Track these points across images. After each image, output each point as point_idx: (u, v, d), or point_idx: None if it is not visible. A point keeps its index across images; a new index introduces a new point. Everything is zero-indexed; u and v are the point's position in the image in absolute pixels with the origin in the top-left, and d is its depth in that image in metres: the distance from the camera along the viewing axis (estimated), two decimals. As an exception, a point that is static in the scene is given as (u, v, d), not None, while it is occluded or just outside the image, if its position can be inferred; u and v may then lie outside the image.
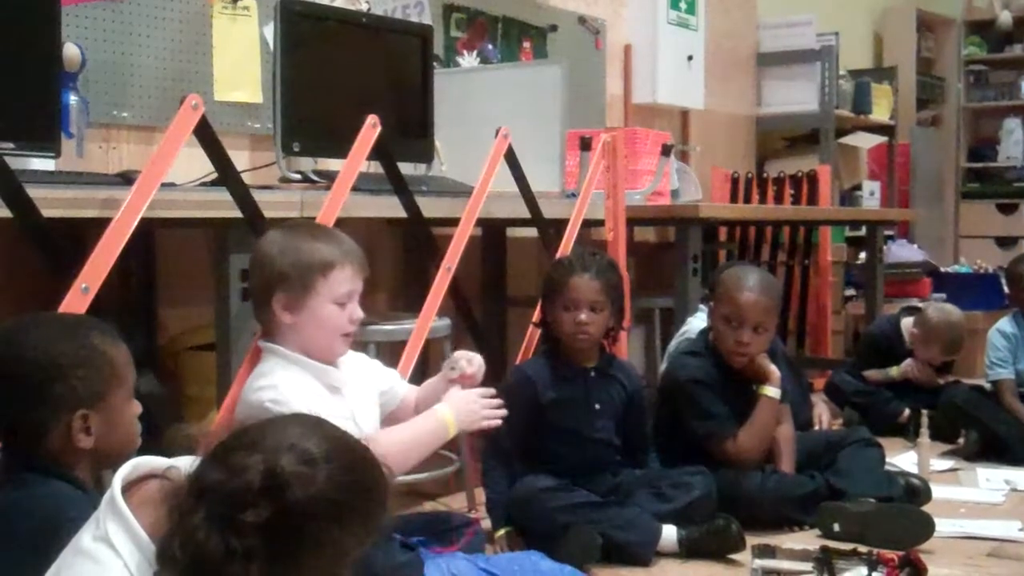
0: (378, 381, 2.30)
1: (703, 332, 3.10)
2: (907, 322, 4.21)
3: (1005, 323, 3.86)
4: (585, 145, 3.44)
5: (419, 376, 2.65)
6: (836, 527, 2.71)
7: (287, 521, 1.22)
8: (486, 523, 2.68)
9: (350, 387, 2.18)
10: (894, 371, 4.17)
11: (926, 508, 2.83)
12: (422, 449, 2.21)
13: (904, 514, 2.72)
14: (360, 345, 2.30)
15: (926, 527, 2.65)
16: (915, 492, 3.00)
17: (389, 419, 2.34)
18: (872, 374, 4.22)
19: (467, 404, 2.28)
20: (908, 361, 4.14)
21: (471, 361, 2.33)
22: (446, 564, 2.23)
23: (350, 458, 1.30)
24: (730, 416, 2.92)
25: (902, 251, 6.23)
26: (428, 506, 3.06)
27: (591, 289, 2.74)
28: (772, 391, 2.94)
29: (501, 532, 2.64)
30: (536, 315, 2.93)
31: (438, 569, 2.18)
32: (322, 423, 1.35)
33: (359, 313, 2.15)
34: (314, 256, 2.09)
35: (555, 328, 2.80)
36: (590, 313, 2.74)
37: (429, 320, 2.75)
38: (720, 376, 2.97)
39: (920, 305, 4.48)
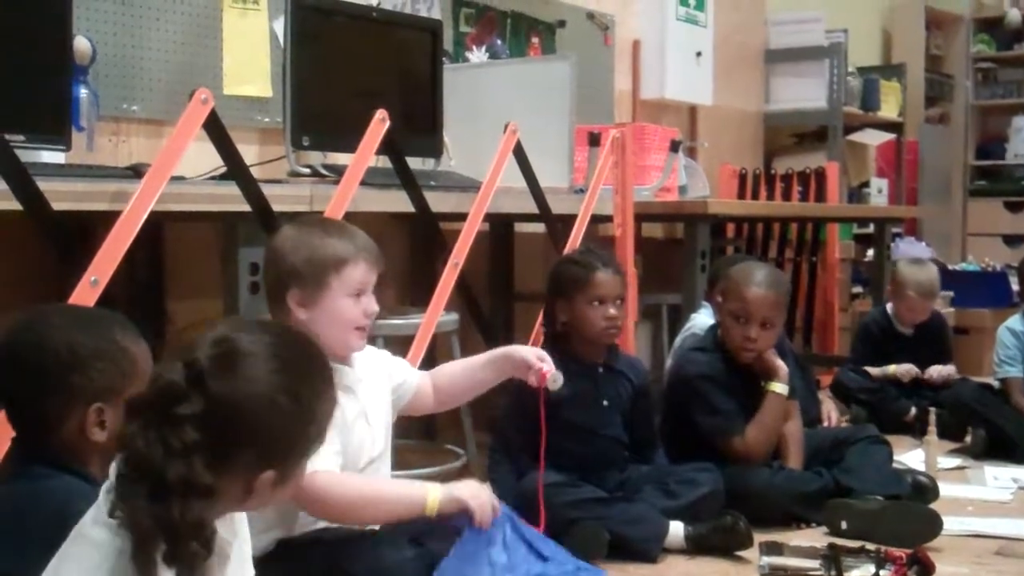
0: (390, 374, 2.29)
1: (711, 328, 3.10)
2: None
3: (1015, 321, 3.84)
4: (594, 141, 3.44)
5: (425, 371, 2.65)
6: (844, 524, 2.70)
7: (222, 410, 1.23)
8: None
9: (363, 385, 2.17)
10: (891, 369, 4.18)
11: (934, 506, 2.82)
12: (387, 510, 2.05)
13: (912, 512, 2.71)
14: (368, 339, 2.29)
15: (934, 525, 2.64)
16: (923, 490, 2.99)
17: (407, 409, 2.33)
18: (873, 371, 4.22)
19: (470, 492, 2.07)
20: (905, 365, 4.16)
21: (548, 362, 2.28)
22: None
23: (282, 348, 1.32)
24: (738, 412, 2.92)
25: (910, 248, 6.21)
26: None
27: (616, 283, 2.76)
28: (780, 387, 2.94)
29: (508, 527, 2.63)
30: (543, 314, 2.92)
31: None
32: (257, 321, 1.35)
33: (374, 306, 2.14)
34: (327, 252, 2.08)
35: (579, 325, 2.75)
36: (617, 306, 2.74)
37: (436, 314, 2.75)
38: (728, 372, 2.97)
39: None
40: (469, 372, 2.36)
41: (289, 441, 1.31)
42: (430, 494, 2.03)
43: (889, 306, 4.32)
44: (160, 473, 1.20)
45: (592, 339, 2.77)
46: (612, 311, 2.73)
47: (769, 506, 2.78)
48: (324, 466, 1.96)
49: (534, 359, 2.27)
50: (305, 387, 1.32)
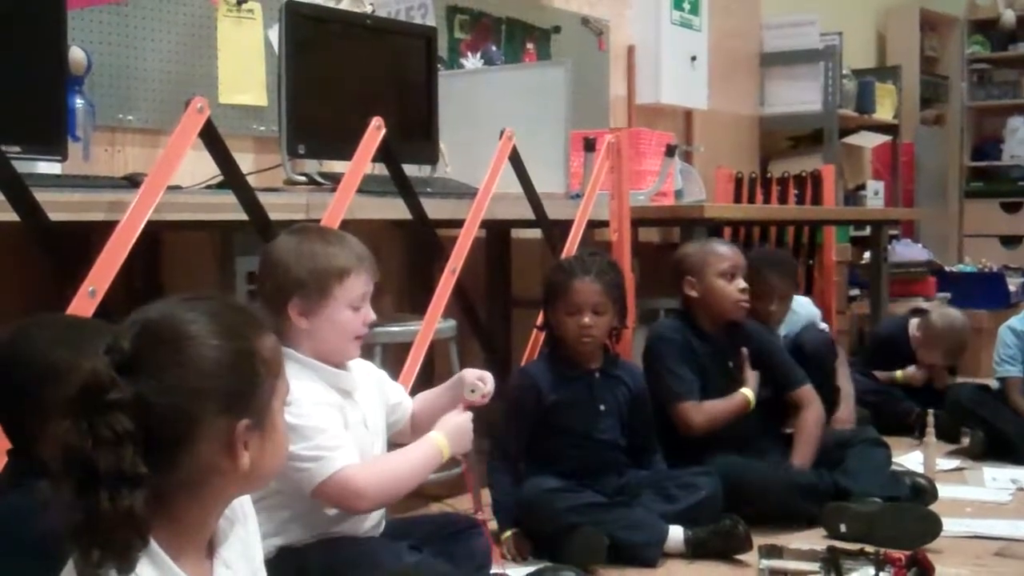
0: (387, 392, 2.28)
1: (680, 311, 3.16)
2: (914, 323, 4.23)
3: (1017, 321, 3.83)
4: (589, 146, 3.44)
5: (423, 378, 2.66)
6: (843, 527, 2.71)
7: (160, 387, 1.21)
8: (493, 524, 2.67)
9: (360, 392, 2.17)
10: (899, 375, 4.18)
11: (932, 508, 2.82)
12: (416, 476, 2.12)
13: (911, 514, 2.71)
14: (366, 347, 2.29)
15: (933, 527, 2.65)
16: (921, 492, 3.00)
17: (398, 435, 2.33)
18: (881, 375, 4.22)
19: (460, 429, 2.18)
20: (913, 368, 4.16)
21: (485, 381, 2.27)
22: None
23: (200, 304, 1.30)
24: (692, 380, 2.99)
25: (906, 250, 6.22)
26: (434, 508, 3.06)
27: (593, 292, 2.75)
28: (751, 395, 3.02)
29: (507, 533, 2.63)
30: (539, 319, 2.93)
31: None
32: (185, 301, 1.32)
33: (372, 316, 2.15)
34: (331, 263, 2.08)
35: (559, 331, 2.80)
36: (593, 316, 2.74)
37: (434, 322, 2.75)
38: (692, 341, 3.06)
39: (927, 307, 4.50)
40: (438, 398, 2.35)
41: (241, 381, 1.28)
42: (438, 442, 2.12)
43: (912, 324, 4.23)
44: (89, 464, 1.17)
45: (569, 345, 2.78)
46: (586, 320, 2.74)
47: (766, 501, 2.79)
48: (348, 460, 1.98)
49: (472, 378, 2.27)
50: (235, 326, 1.30)
